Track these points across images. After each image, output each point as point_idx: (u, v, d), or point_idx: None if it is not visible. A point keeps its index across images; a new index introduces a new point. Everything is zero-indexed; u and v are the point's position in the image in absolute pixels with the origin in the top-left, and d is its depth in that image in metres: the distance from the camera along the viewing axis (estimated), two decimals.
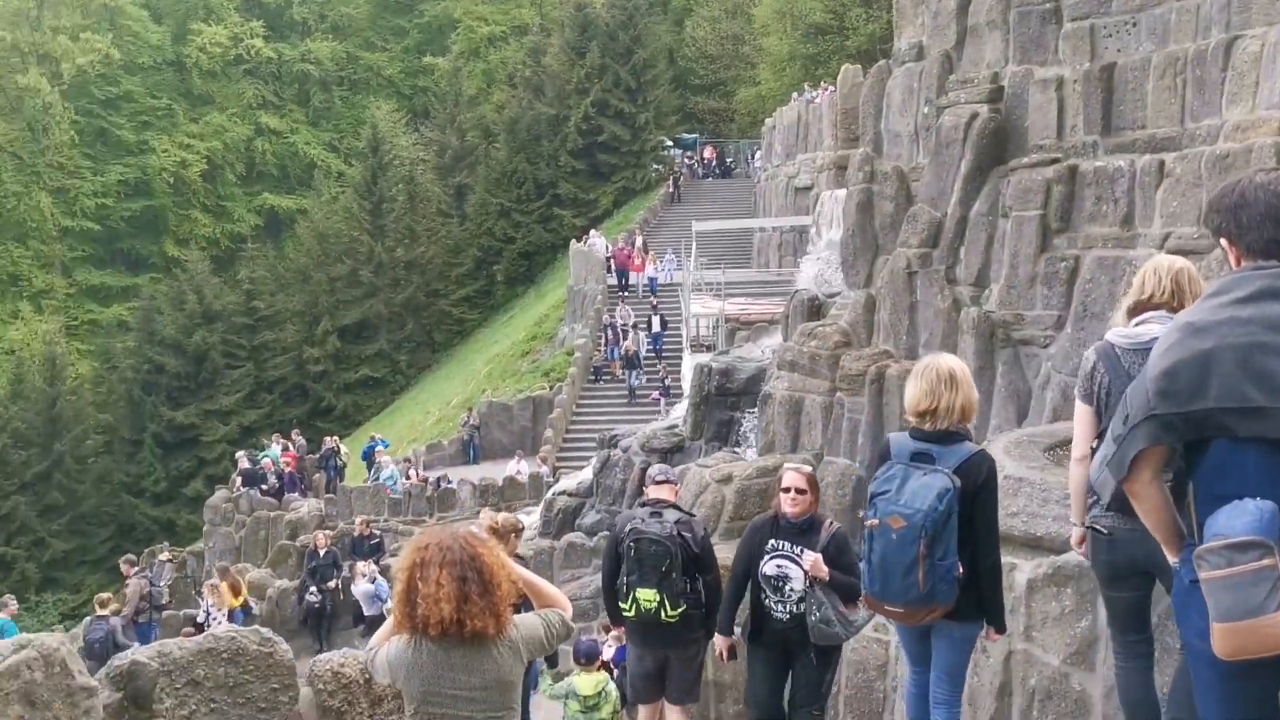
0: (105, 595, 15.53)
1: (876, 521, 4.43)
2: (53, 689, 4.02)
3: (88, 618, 15.04)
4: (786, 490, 5.80)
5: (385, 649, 3.67)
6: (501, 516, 7.96)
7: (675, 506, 6.49)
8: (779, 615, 5.78)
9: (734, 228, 38.10)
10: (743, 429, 17.13)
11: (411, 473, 26.74)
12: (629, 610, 6.22)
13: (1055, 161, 11.56)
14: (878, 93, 17.13)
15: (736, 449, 15.88)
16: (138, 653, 4.67)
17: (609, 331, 32.20)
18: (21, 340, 51.95)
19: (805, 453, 13.68)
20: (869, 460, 11.72)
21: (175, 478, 45.41)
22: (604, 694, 7.26)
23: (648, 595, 6.06)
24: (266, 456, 27.16)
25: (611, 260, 35.75)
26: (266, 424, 45.59)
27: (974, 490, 4.42)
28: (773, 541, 5.80)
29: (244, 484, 26.15)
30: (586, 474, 21.49)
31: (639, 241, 37.10)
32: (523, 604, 3.90)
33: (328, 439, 30.57)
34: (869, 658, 7.01)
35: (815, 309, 16.31)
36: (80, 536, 44.65)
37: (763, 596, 5.85)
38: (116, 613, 15.68)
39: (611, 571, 6.46)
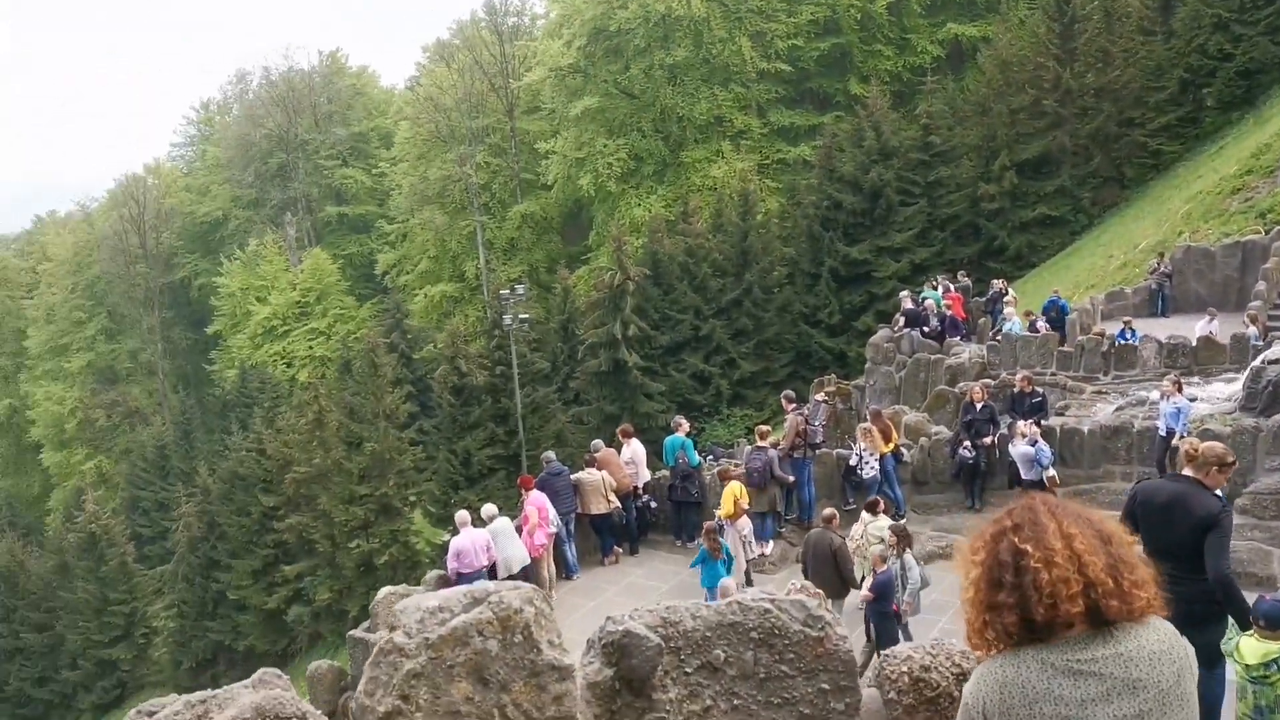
0: (764, 428, 16.15)
1: None
2: (512, 664, 3.27)
3: (748, 447, 15.70)
4: None
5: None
6: (1205, 444, 6.58)
7: None
8: None
9: None
10: None
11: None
12: None
13: None
14: None
15: None
16: (637, 619, 3.86)
17: None
18: (722, 178, 56.98)
19: None
20: None
21: (848, 311, 47.04)
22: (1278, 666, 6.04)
23: None
24: (928, 298, 26.42)
25: None
26: (937, 262, 45.06)
27: None
28: None
29: (905, 324, 25.75)
30: None
31: None
32: None
33: (995, 281, 28.88)
34: None
35: None
36: (763, 360, 48.67)
37: None
38: (775, 445, 16.29)
39: None
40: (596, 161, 59.31)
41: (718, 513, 15.02)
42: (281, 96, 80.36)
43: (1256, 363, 17.90)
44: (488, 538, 13.63)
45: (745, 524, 15.08)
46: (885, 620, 11.96)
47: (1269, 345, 19.74)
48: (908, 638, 11.84)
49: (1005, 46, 48.37)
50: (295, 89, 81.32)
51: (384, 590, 12.61)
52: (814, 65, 60.92)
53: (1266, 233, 27.04)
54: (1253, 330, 21.75)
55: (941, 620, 13.98)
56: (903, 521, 16.57)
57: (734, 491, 15.04)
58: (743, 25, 59.69)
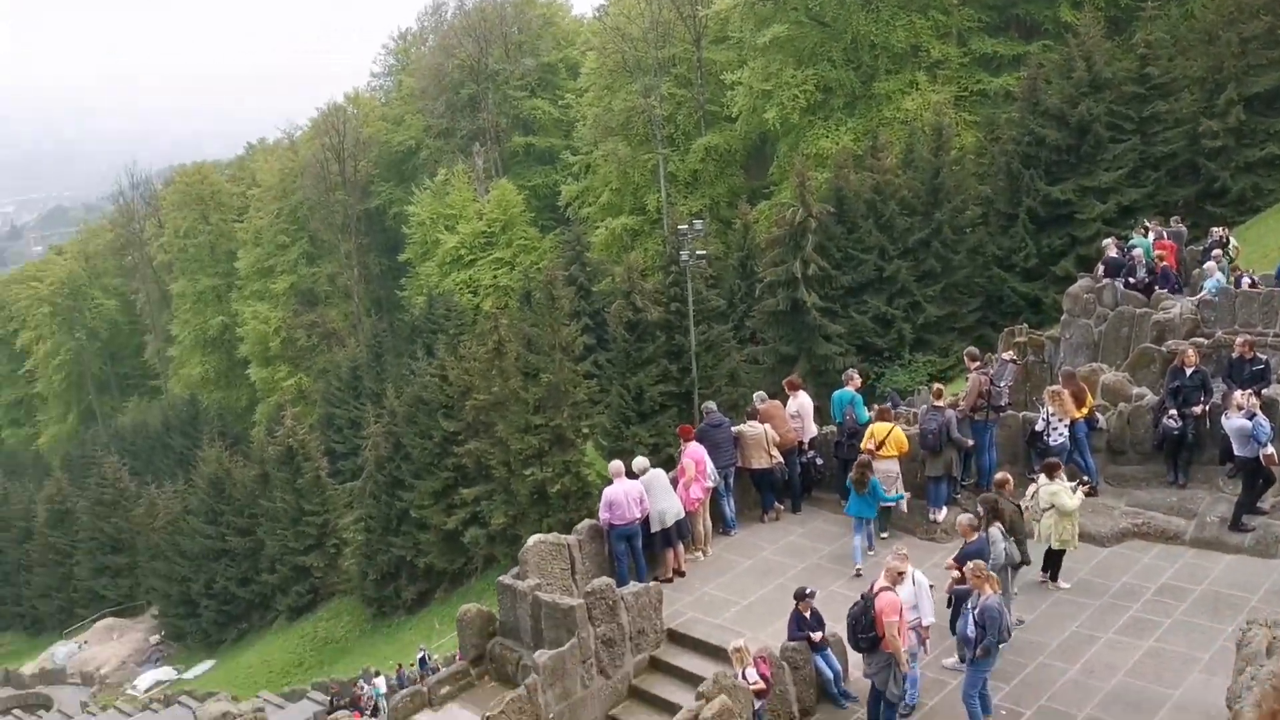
0: (939, 386, 15.11)
1: None
2: None
3: (923, 406, 14.69)
4: None
5: None
6: None
7: None
8: None
9: None
10: None
11: None
12: None
13: None
14: None
15: None
16: None
17: None
18: (915, 110, 54.20)
19: None
20: None
21: (1046, 255, 44.17)
22: None
23: None
24: (1137, 246, 24.21)
25: None
26: (1148, 204, 41.65)
27: None
28: None
29: (1106, 274, 23.69)
30: None
31: None
32: None
33: (1215, 229, 26.20)
34: None
35: None
36: (951, 303, 46.44)
37: None
38: (953, 405, 15.19)
39: None
40: (783, 94, 57.48)
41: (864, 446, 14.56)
42: (474, 26, 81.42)
43: None
44: (641, 489, 13.25)
45: (883, 467, 14.41)
46: (965, 595, 11.09)
47: None
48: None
49: None
50: (488, 19, 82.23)
51: (533, 538, 12.45)
52: None
53: None
54: None
55: (1133, 607, 12.76)
56: (1095, 485, 15.28)
57: (874, 431, 14.48)
58: None
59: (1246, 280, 21.98)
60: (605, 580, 11.89)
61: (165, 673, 54.55)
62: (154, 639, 60.85)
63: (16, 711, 52.07)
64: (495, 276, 72.35)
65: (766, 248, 48.87)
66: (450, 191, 75.13)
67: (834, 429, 15.98)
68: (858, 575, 13.79)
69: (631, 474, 13.51)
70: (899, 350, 46.18)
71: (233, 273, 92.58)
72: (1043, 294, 43.16)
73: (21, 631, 74.18)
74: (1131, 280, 23.25)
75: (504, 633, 12.65)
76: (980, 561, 10.96)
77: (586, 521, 13.46)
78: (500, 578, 12.57)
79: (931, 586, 11.63)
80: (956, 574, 11.47)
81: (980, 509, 12.33)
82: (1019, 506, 12.75)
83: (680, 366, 45.64)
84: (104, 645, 60.08)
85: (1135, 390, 17.30)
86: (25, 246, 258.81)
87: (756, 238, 52.45)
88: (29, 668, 59.36)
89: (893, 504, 14.63)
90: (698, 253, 44.50)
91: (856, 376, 16.31)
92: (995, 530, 11.99)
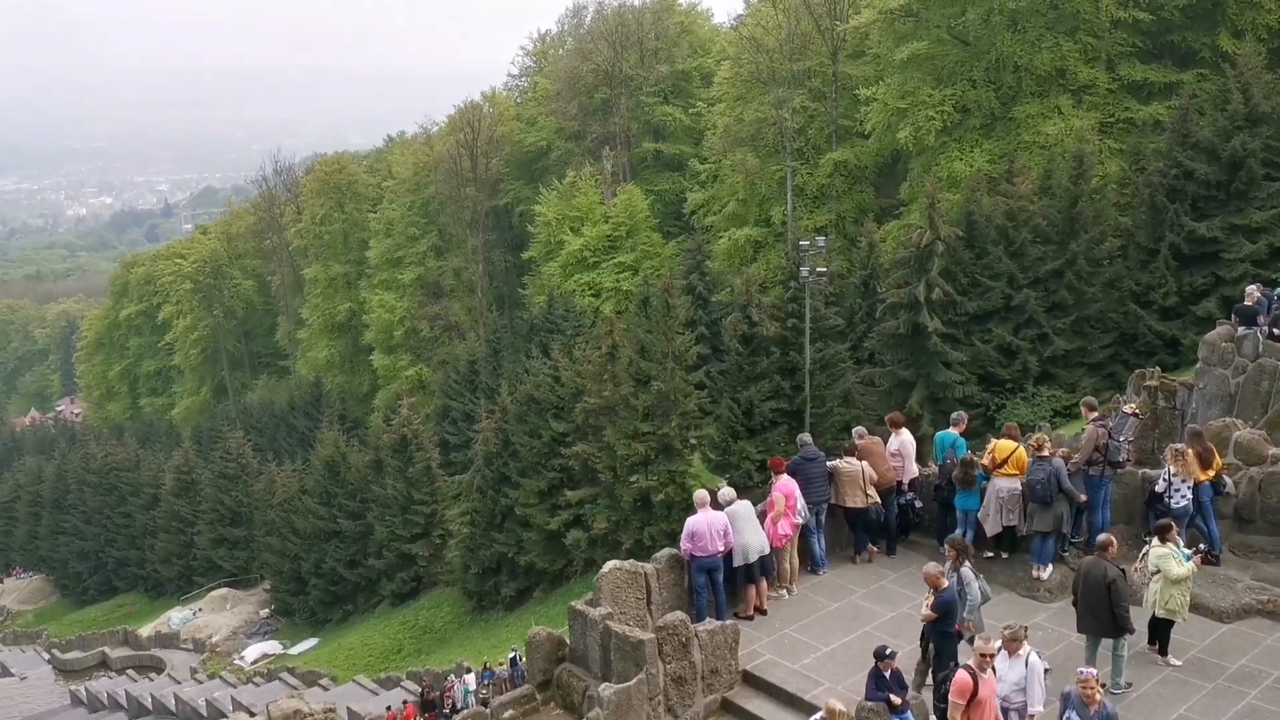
0: (1042, 436, 14.36)
1: None
2: None
3: (1034, 460, 13.93)
4: None
5: None
6: None
7: None
8: None
9: None
10: None
11: None
12: None
13: None
14: None
15: None
16: None
17: None
18: (1056, 135, 52.21)
19: None
20: None
21: (1187, 294, 41.95)
22: None
23: None
24: None
25: None
26: None
27: None
28: None
29: (1241, 323, 22.24)
30: None
31: None
32: None
33: None
34: None
35: None
36: (1081, 338, 44.53)
37: None
38: (1066, 458, 14.35)
39: None
40: (918, 112, 56.08)
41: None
42: (611, 31, 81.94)
43: None
44: (725, 521, 12.86)
45: (1006, 485, 14.00)
46: (946, 640, 10.84)
47: None
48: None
49: None
50: (625, 24, 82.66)
51: (609, 565, 12.19)
52: (1179, 15, 54.10)
53: None
54: None
55: (1250, 695, 11.77)
56: (1218, 554, 14.29)
57: (997, 447, 14.34)
58: None
59: None
60: (679, 615, 11.55)
61: (272, 646, 56.34)
62: (264, 612, 62.93)
63: (130, 671, 54.51)
64: (617, 280, 72.65)
65: (890, 268, 47.70)
66: (578, 193, 75.77)
67: (935, 471, 15.29)
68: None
69: (717, 504, 13.14)
70: (1022, 382, 44.49)
71: (363, 261, 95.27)
72: (1181, 334, 41.04)
73: (143, 594, 77.69)
74: (1276, 331, 21.74)
75: (573, 659, 12.44)
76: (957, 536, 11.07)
77: (666, 550, 13.13)
78: (573, 603, 12.34)
79: (1047, 671, 10.81)
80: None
81: (949, 549, 11.84)
82: (1122, 570, 11.95)
83: (793, 384, 44.94)
84: (218, 614, 62.41)
85: (1272, 451, 16.09)
86: (177, 224, 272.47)
87: (881, 257, 51.30)
88: (146, 630, 62.09)
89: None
90: (818, 269, 43.72)
91: (964, 419, 15.60)
92: (966, 570, 11.55)
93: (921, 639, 11.51)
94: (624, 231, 73.99)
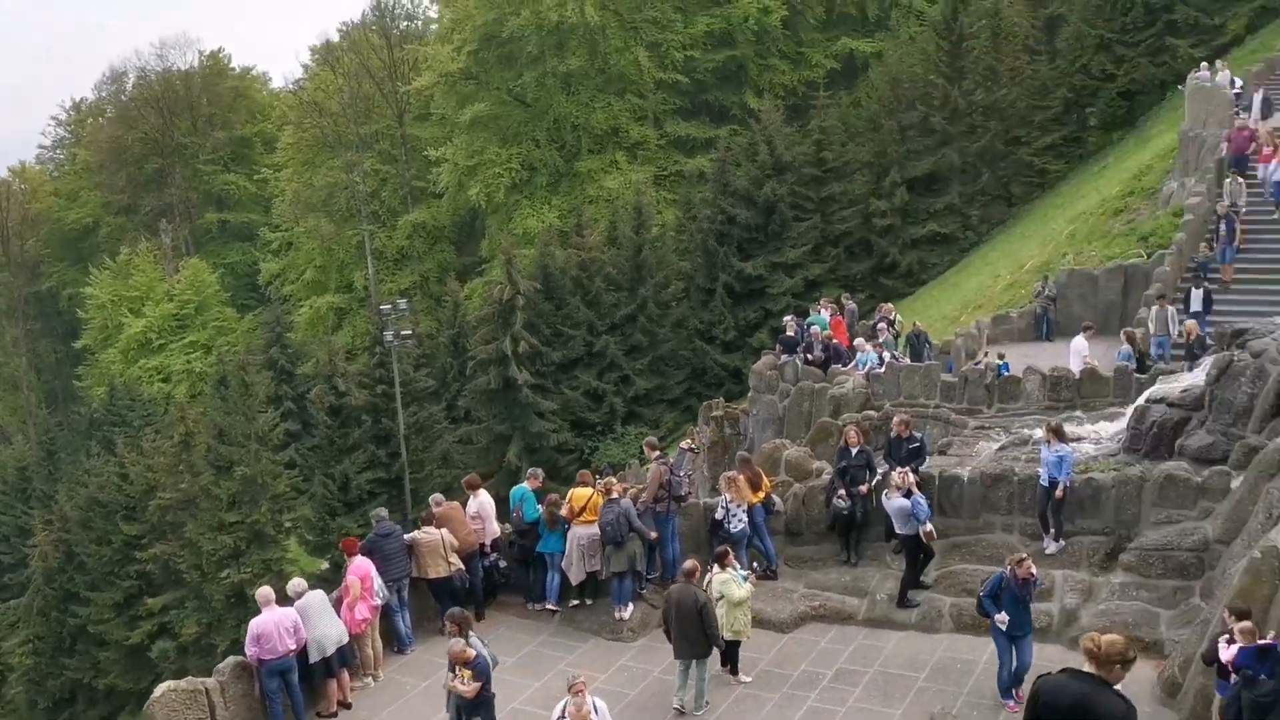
0: (613, 479, 14.85)
1: None
2: None
3: (604, 503, 14.31)
4: None
5: None
6: (1106, 639, 7.08)
7: None
8: None
9: None
10: None
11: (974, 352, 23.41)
12: None
13: None
14: None
15: None
16: None
17: (1222, 227, 24.96)
18: (617, 189, 55.66)
19: None
20: None
21: (743, 327, 46.16)
22: None
23: None
24: (814, 323, 25.40)
25: (1226, 144, 27.65)
26: (830, 278, 44.50)
27: None
28: None
29: (782, 350, 24.73)
30: (1196, 378, 16.79)
31: None
32: None
33: (883, 305, 28.00)
34: None
35: None
36: (659, 376, 47.46)
37: None
38: (635, 498, 14.90)
39: None
40: (487, 171, 57.50)
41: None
42: (158, 97, 76.61)
43: (1140, 401, 17.16)
44: (295, 617, 11.95)
45: (586, 532, 14.48)
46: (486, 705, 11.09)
47: (1151, 379, 19.09)
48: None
49: (896, 63, 48.23)
50: (174, 89, 77.65)
51: (161, 686, 10.87)
52: (710, 77, 60.03)
53: (1148, 257, 26.72)
54: (1125, 349, 21.22)
55: (810, 697, 12.74)
56: (774, 569, 15.46)
57: (574, 496, 14.71)
58: (639, 35, 58.53)
59: (889, 356, 23.56)
60: None
61: None
62: None
63: None
64: (189, 361, 67.49)
65: (477, 325, 48.20)
66: (135, 271, 69.72)
67: (509, 527, 15.33)
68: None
69: (287, 599, 12.21)
70: (611, 424, 46.59)
71: None
72: (743, 364, 44.74)
73: None
74: (809, 357, 24.27)
75: None
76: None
77: (230, 659, 11.95)
78: None
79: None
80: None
81: (449, 624, 11.49)
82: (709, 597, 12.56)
83: (389, 451, 43.86)
84: None
85: (816, 464, 17.72)
86: None
87: (468, 315, 51.69)
88: None
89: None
90: (403, 332, 43.14)
91: (539, 476, 15.78)
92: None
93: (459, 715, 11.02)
94: (192, 309, 69.01)
